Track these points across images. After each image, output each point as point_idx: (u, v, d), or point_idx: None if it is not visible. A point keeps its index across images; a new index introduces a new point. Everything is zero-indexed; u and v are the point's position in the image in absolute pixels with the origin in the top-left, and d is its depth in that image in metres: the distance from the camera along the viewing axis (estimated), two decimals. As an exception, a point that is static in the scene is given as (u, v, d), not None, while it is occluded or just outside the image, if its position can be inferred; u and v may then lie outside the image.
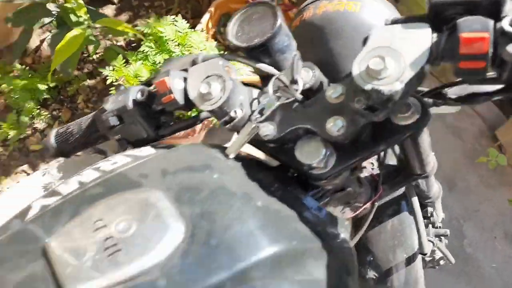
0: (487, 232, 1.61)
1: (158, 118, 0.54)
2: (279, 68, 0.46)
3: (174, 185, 0.40)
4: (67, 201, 0.39)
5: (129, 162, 0.43)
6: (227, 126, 0.45)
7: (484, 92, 0.42)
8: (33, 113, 1.68)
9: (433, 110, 0.77)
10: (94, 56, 1.83)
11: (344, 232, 0.48)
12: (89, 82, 1.84)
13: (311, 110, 0.43)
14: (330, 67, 0.49)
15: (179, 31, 1.32)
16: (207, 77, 0.45)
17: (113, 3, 1.95)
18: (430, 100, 0.50)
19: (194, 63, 0.50)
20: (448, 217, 1.63)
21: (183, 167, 0.43)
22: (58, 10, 1.41)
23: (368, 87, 0.35)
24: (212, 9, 1.56)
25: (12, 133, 1.64)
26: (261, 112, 0.44)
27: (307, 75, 0.44)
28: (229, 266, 0.33)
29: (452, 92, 0.51)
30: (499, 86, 0.40)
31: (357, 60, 0.36)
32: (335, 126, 0.40)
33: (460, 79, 0.42)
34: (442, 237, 1.00)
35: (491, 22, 0.33)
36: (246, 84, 0.48)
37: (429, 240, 0.88)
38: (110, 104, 0.52)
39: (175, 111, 0.52)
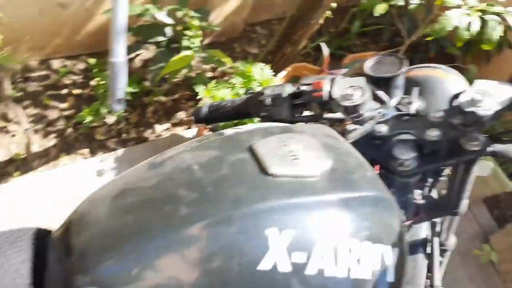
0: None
1: (295, 109, 0.77)
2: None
3: (320, 140, 0.56)
4: (257, 130, 0.58)
5: (290, 125, 0.64)
6: (355, 120, 0.67)
7: None
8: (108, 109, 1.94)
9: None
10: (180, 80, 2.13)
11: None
12: (162, 98, 2.12)
13: (416, 123, 0.65)
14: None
15: (264, 76, 1.61)
16: (351, 86, 0.69)
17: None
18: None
19: (334, 78, 0.74)
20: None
21: (323, 134, 0.60)
22: (173, 34, 1.74)
23: (469, 109, 0.58)
24: (289, 68, 1.88)
25: (88, 118, 1.88)
26: (381, 117, 0.67)
27: (420, 103, 0.67)
28: (353, 190, 0.50)
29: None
30: None
31: (465, 93, 0.60)
32: (432, 133, 0.62)
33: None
34: None
35: None
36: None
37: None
38: (269, 90, 0.76)
39: (313, 105, 0.74)
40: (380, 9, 1.55)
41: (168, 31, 1.74)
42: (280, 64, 2.07)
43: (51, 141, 1.93)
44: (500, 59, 2.48)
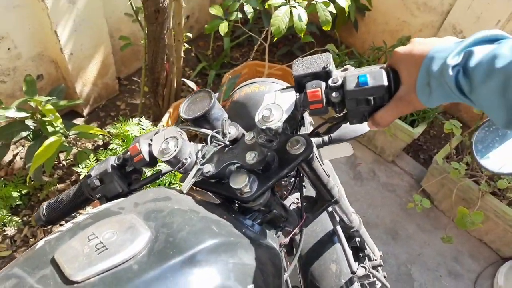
0: (432, 273, 1.80)
1: (130, 177, 0.74)
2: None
3: (143, 210, 0.57)
4: (68, 230, 0.55)
5: (110, 205, 0.62)
6: (180, 170, 0.67)
7: (334, 123, 0.67)
8: (4, 220, 1.78)
9: (330, 155, 1.02)
10: (65, 162, 2.03)
11: (273, 242, 0.68)
12: (59, 186, 1.99)
13: (236, 150, 0.66)
14: (251, 126, 0.75)
15: (143, 129, 1.58)
16: (166, 139, 0.68)
17: (82, 116, 2.23)
18: (315, 138, 0.75)
19: (156, 133, 0.73)
20: (397, 264, 1.82)
21: (150, 199, 0.60)
22: (35, 124, 1.65)
23: (263, 127, 0.59)
24: (171, 109, 1.87)
25: (-18, 242, 1.71)
26: (203, 157, 0.67)
27: (234, 130, 0.68)
28: (181, 253, 0.49)
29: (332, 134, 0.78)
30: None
31: (257, 113, 0.61)
32: (250, 157, 0.64)
33: (324, 121, 0.68)
34: (379, 268, 1.17)
35: (322, 82, 0.58)
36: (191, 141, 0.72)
37: (362, 266, 1.06)
38: (94, 170, 0.73)
39: (143, 168, 0.73)
40: (223, 28, 1.59)
41: (30, 123, 1.64)
42: (165, 106, 2.06)
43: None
44: (367, 22, 2.69)
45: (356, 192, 2.07)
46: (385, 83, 0.53)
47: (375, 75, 0.54)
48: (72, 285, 0.46)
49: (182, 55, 1.88)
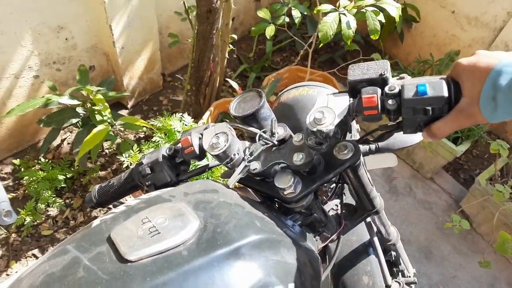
0: (466, 297, 1.72)
1: (179, 168, 0.77)
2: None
3: (192, 199, 0.59)
4: (122, 212, 0.58)
5: (161, 192, 0.64)
6: (228, 165, 0.69)
7: (387, 131, 0.67)
8: (49, 201, 1.88)
9: (373, 165, 1.01)
10: (108, 151, 2.12)
11: (312, 245, 0.68)
12: (101, 173, 2.09)
13: (283, 151, 0.67)
14: (298, 128, 0.75)
15: (185, 124, 1.63)
16: (216, 134, 0.70)
17: (126, 108, 2.32)
18: (362, 145, 0.75)
19: (206, 128, 0.76)
20: (429, 284, 1.76)
21: (198, 191, 0.63)
22: (85, 112, 1.73)
23: (314, 129, 0.60)
24: (212, 108, 1.91)
25: (28, 219, 1.82)
26: (251, 154, 0.69)
27: (282, 130, 0.69)
28: (228, 244, 0.51)
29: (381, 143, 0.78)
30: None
31: (309, 114, 0.62)
32: (297, 158, 0.64)
33: (377, 127, 0.68)
34: (412, 285, 1.14)
35: (378, 89, 0.58)
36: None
37: (396, 281, 1.03)
38: (146, 159, 0.76)
39: (192, 160, 0.75)
40: (269, 31, 1.62)
41: (80, 110, 1.73)
42: (206, 104, 2.10)
43: (-3, 252, 1.84)
44: (413, 34, 2.64)
45: (390, 206, 2.02)
46: (445, 94, 0.53)
47: (435, 85, 0.54)
48: (126, 263, 0.49)
49: (227, 56, 1.92)
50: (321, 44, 1.52)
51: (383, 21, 1.54)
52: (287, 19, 1.66)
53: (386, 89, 0.57)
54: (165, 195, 0.62)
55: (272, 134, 0.68)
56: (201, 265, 0.49)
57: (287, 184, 0.63)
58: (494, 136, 2.42)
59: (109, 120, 1.61)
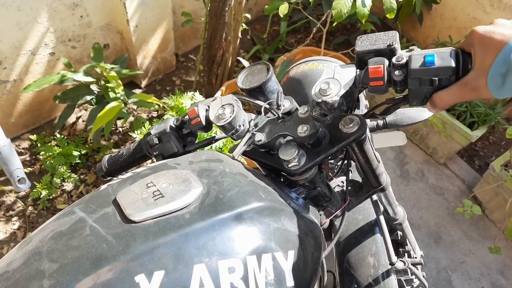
0: (474, 283, 1.71)
1: (186, 139, 0.78)
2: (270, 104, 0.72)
3: (197, 167, 0.60)
4: (128, 177, 0.60)
5: (167, 161, 0.66)
6: (233, 136, 0.69)
7: (392, 104, 0.66)
8: (64, 176, 1.93)
9: (382, 143, 1.00)
10: (121, 129, 2.15)
11: (315, 218, 0.69)
12: (114, 150, 2.13)
13: (288, 123, 0.67)
14: (305, 102, 0.75)
15: (196, 104, 1.64)
16: (222, 105, 0.71)
17: (139, 87, 2.35)
18: (370, 121, 0.74)
19: (214, 100, 0.76)
20: (437, 269, 1.75)
21: (203, 160, 0.64)
22: (99, 89, 1.76)
23: (319, 100, 0.60)
24: (223, 88, 1.91)
25: (44, 193, 1.88)
26: (255, 126, 0.69)
27: (288, 103, 0.69)
28: (229, 210, 0.52)
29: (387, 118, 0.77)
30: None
31: (315, 86, 0.62)
32: (302, 129, 0.64)
33: (384, 101, 0.67)
34: (418, 266, 1.14)
35: (385, 60, 0.57)
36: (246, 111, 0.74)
37: (401, 260, 1.03)
38: (154, 130, 0.77)
39: (198, 131, 0.76)
40: (283, 9, 1.59)
41: (94, 88, 1.75)
42: (217, 84, 2.11)
43: (15, 224, 1.91)
44: (433, 16, 2.56)
45: (401, 191, 2.01)
46: (453, 64, 0.52)
47: (443, 56, 0.52)
48: (130, 224, 0.50)
49: (239, 35, 1.90)
50: (335, 23, 1.49)
51: (400, 0, 1.49)
52: (301, -2, 1.63)
53: (394, 59, 0.56)
54: (170, 162, 0.63)
55: (278, 106, 0.68)
56: (202, 228, 0.50)
57: (291, 156, 0.64)
58: (512, 122, 2.36)
59: (122, 98, 1.63)
